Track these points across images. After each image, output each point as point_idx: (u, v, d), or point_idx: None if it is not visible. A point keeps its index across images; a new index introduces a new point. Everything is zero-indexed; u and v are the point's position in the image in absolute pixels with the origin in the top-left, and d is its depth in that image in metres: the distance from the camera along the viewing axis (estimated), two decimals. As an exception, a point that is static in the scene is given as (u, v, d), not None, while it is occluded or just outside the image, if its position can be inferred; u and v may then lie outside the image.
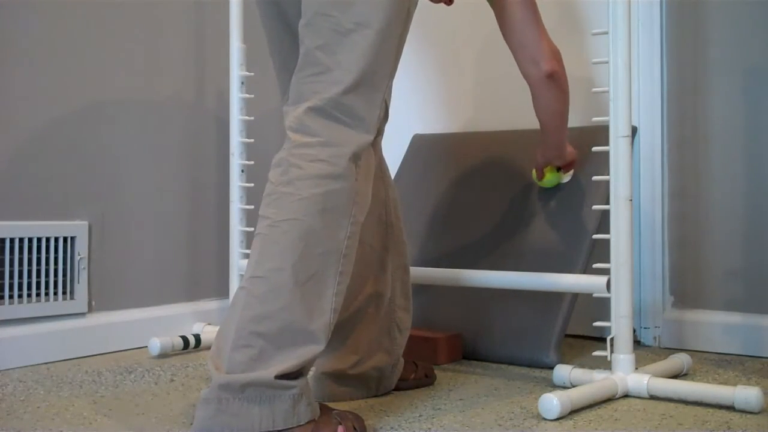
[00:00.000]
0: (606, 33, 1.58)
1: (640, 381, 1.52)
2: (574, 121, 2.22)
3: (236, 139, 2.10)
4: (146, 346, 2.03)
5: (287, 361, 1.15)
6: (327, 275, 1.20)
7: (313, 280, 1.18)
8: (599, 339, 2.07)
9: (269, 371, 1.14)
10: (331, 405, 1.30)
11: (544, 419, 1.39)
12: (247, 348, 1.15)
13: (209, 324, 2.19)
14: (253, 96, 2.12)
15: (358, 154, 1.25)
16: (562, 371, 1.61)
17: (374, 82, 1.28)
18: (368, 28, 1.26)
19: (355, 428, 1.22)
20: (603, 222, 1.91)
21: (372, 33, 1.26)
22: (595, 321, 1.61)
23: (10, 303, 1.83)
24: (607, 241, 1.59)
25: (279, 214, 1.20)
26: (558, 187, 2.04)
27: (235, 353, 1.16)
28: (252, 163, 2.11)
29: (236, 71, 2.10)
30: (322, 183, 1.21)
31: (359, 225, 1.25)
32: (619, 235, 1.56)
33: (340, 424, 1.20)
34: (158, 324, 2.11)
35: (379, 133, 1.34)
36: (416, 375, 1.61)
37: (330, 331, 1.21)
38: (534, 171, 2.03)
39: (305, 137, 1.24)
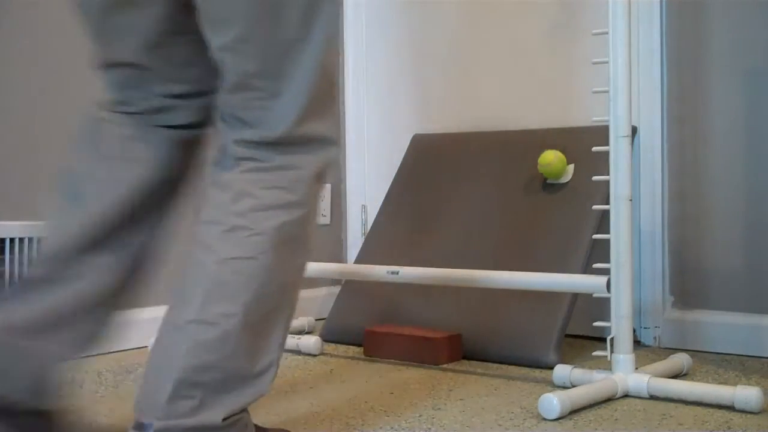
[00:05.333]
0: (606, 33, 1.58)
1: (640, 381, 1.52)
2: (574, 121, 2.22)
3: (236, 139, 2.10)
4: (146, 346, 2.03)
5: (230, 406, 1.07)
6: (280, 311, 1.11)
7: (265, 319, 1.09)
8: (599, 339, 2.07)
9: (216, 415, 1.06)
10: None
11: (544, 419, 1.39)
12: (188, 399, 1.05)
13: (209, 324, 2.19)
14: (253, 96, 2.12)
15: (321, 174, 1.13)
16: (562, 371, 1.61)
17: (329, 93, 1.14)
18: (311, 40, 1.08)
19: None
20: (603, 222, 1.91)
21: (317, 43, 1.09)
22: (595, 321, 1.61)
23: (10, 303, 1.83)
24: (607, 241, 1.59)
25: (230, 250, 1.07)
26: (558, 187, 2.04)
27: (172, 405, 1.04)
28: (252, 163, 2.11)
29: (236, 71, 2.10)
30: (279, 214, 1.09)
31: (311, 246, 1.16)
32: (619, 235, 1.56)
33: None
34: (158, 324, 2.10)
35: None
36: None
37: (276, 368, 1.13)
38: (540, 161, 2.04)
39: (255, 164, 1.10)
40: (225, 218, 1.08)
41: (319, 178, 1.13)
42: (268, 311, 1.09)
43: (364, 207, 2.64)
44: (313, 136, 1.11)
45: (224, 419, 1.06)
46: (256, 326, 1.07)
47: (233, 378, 1.06)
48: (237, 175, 1.10)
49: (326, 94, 1.12)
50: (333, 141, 1.14)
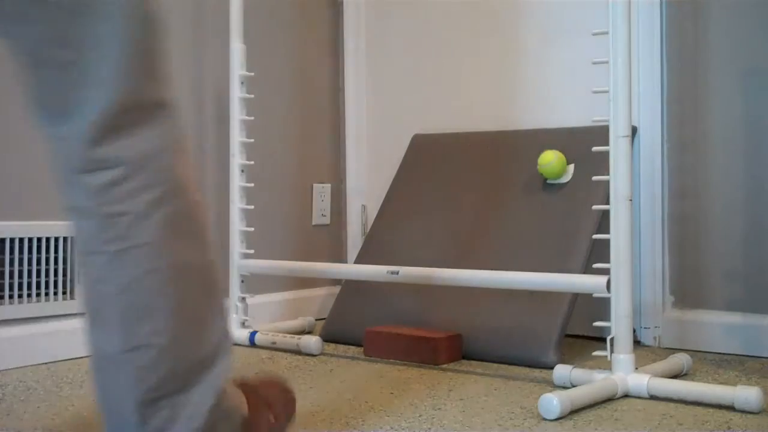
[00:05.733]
0: (606, 33, 1.58)
1: (640, 381, 1.52)
2: (574, 121, 2.22)
3: (236, 139, 2.10)
4: (146, 346, 2.03)
5: (205, 394, 1.00)
6: (206, 290, 1.02)
7: (197, 307, 1.00)
8: (599, 339, 2.06)
9: (198, 418, 0.99)
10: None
11: (544, 419, 1.39)
12: (159, 411, 0.97)
13: (209, 324, 2.19)
14: (253, 96, 2.12)
15: (179, 147, 0.97)
16: (562, 371, 1.61)
17: (154, 48, 0.95)
18: None
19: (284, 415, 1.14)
20: (603, 222, 1.91)
21: None
22: (595, 321, 1.61)
23: (10, 303, 1.83)
24: (607, 241, 1.59)
25: (126, 274, 0.94)
26: (558, 187, 2.04)
27: (147, 426, 0.97)
28: (252, 163, 2.11)
29: (236, 71, 2.10)
30: (159, 212, 0.94)
31: (204, 213, 1.03)
32: (619, 235, 1.56)
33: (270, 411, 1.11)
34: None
35: None
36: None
37: (228, 333, 1.05)
38: (540, 161, 2.04)
39: (106, 174, 0.92)
40: (102, 247, 0.94)
41: (181, 151, 0.98)
42: (194, 299, 0.99)
43: (364, 207, 2.64)
44: (149, 103, 0.95)
45: (206, 421, 0.99)
46: (190, 320, 0.99)
47: (191, 372, 0.99)
48: (93, 199, 0.93)
49: (150, 50, 0.94)
50: (174, 106, 0.98)
